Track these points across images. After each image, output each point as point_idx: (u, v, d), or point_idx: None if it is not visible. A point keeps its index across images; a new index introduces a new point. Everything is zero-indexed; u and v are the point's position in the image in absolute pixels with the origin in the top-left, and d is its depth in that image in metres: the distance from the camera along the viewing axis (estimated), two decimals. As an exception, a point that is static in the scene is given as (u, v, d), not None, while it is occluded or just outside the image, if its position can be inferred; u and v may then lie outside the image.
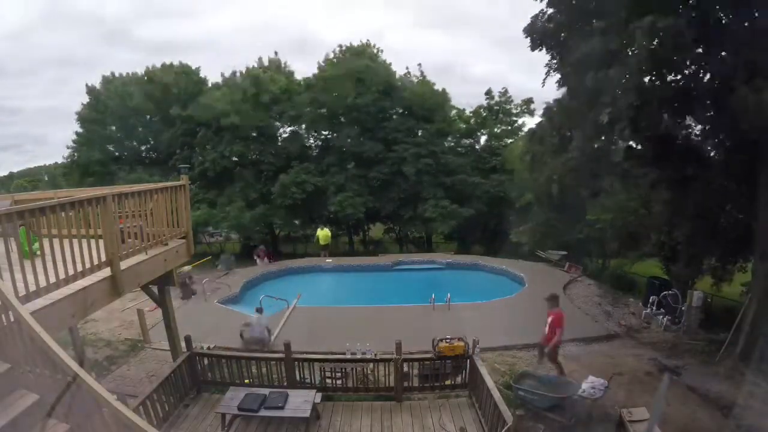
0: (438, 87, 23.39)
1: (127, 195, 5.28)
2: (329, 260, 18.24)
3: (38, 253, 3.94)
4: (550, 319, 7.67)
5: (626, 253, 15.11)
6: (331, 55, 23.20)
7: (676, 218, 10.62)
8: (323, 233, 19.97)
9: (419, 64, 28.21)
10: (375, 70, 22.22)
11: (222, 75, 24.12)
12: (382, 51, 23.42)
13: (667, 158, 9.19)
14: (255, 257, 18.67)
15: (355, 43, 23.24)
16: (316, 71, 23.18)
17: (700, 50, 7.84)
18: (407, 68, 23.84)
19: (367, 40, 23.47)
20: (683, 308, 10.67)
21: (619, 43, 7.65)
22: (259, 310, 9.66)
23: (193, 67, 24.12)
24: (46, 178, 41.02)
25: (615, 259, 16.44)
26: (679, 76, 8.45)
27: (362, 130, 22.23)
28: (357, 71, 21.83)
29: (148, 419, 5.62)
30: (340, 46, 23.28)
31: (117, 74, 24.20)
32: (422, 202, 21.66)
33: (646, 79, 8.01)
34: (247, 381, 7.05)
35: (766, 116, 6.31)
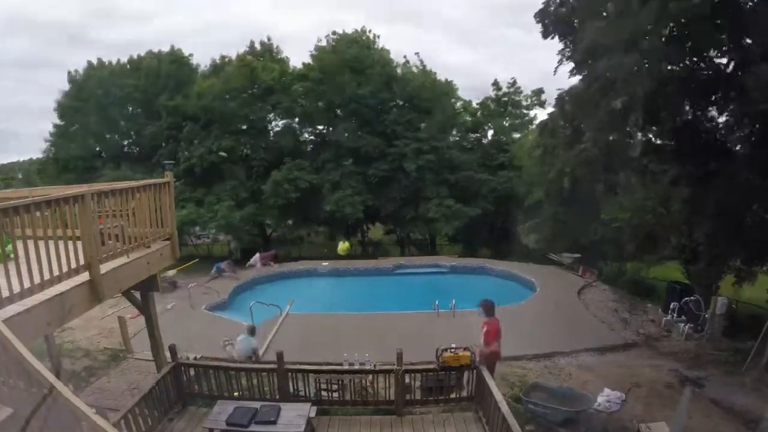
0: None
1: (108, 193, 5.27)
2: (325, 263, 18.24)
3: (11, 256, 3.93)
4: (484, 330, 6.84)
5: (644, 255, 15.07)
6: (324, 43, 23.25)
7: (696, 217, 10.61)
8: (343, 246, 20.14)
9: (417, 53, 28.20)
10: (372, 58, 22.22)
11: (213, 61, 24.18)
12: (378, 37, 23.46)
13: (689, 152, 9.21)
14: (256, 263, 18.49)
15: (349, 31, 23.34)
16: (308, 60, 23.25)
17: (723, 36, 7.85)
18: (405, 57, 23.85)
19: (363, 27, 23.56)
20: (706, 315, 10.68)
21: (633, 28, 7.66)
22: (251, 330, 8.68)
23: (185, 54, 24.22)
24: (20, 176, 40.98)
25: (632, 262, 16.42)
26: (701, 64, 8.46)
27: (360, 124, 22.26)
28: (353, 60, 21.84)
29: (130, 435, 5.61)
30: (334, 33, 23.34)
31: (102, 61, 24.14)
32: (425, 201, 21.66)
33: (663, 66, 8.01)
34: (236, 394, 7.05)
35: None
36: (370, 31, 23.41)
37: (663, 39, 7.12)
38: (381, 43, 23.56)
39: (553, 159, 10.99)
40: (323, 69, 22.16)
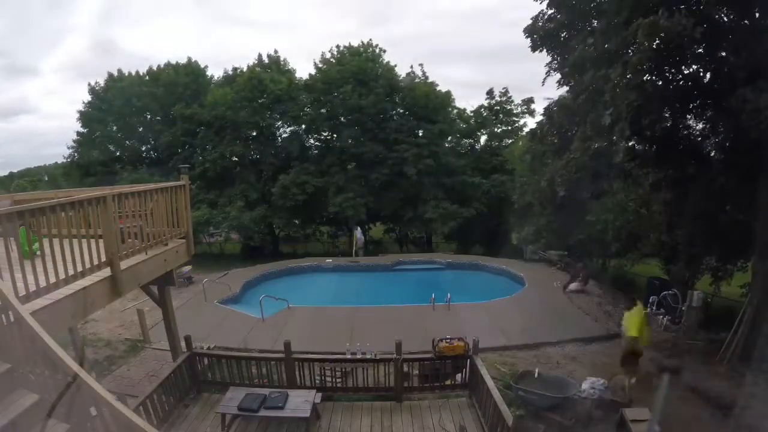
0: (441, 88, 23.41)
1: (127, 195, 5.27)
2: (329, 260, 18.25)
3: (38, 253, 3.93)
4: None
5: (626, 253, 15.05)
6: (328, 55, 23.22)
7: (676, 218, 10.61)
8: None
9: (421, 65, 28.16)
10: (375, 71, 22.19)
11: (225, 72, 24.22)
12: (384, 51, 23.41)
13: (669, 158, 9.20)
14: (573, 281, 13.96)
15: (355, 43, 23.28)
16: (314, 71, 23.23)
17: (701, 50, 7.84)
18: (411, 67, 23.79)
19: (370, 39, 23.48)
20: (683, 308, 10.67)
21: (619, 43, 7.65)
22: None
23: (201, 66, 24.31)
24: (46, 178, 41.02)
25: (615, 259, 16.40)
26: (680, 76, 8.45)
27: (363, 131, 22.21)
28: (358, 72, 21.82)
29: (148, 419, 5.61)
30: (338, 46, 23.32)
31: (122, 72, 24.24)
32: (423, 202, 21.63)
33: (647, 78, 8.01)
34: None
35: (763, 119, 6.31)
36: (376, 45, 23.38)
37: (647, 53, 7.11)
38: (386, 57, 23.54)
39: (543, 166, 10.97)
40: (327, 80, 22.15)
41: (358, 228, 21.64)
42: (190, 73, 23.81)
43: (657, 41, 6.97)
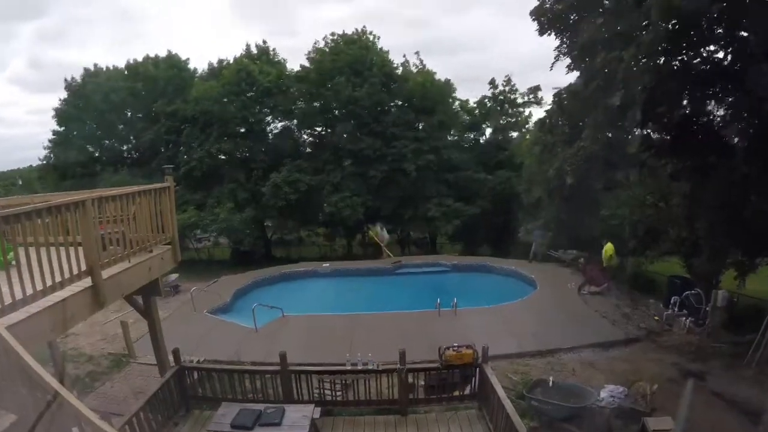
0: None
1: (108, 199, 5.26)
2: (326, 264, 18.24)
3: (13, 263, 3.93)
4: None
5: (645, 250, 15.03)
6: (322, 44, 23.22)
7: (696, 210, 10.61)
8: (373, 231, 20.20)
9: (417, 53, 28.23)
10: (370, 59, 22.19)
11: (209, 65, 24.23)
12: (378, 38, 23.42)
13: (687, 147, 9.21)
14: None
15: (348, 31, 23.28)
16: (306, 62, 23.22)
17: (720, 30, 7.84)
18: (404, 56, 23.87)
19: (363, 26, 23.53)
20: (707, 309, 10.66)
21: (632, 23, 7.65)
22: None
23: (183, 59, 24.28)
24: (20, 182, 40.98)
25: (632, 257, 16.38)
26: (698, 59, 8.46)
27: (358, 125, 22.20)
28: (352, 61, 21.80)
29: (134, 439, 5.61)
30: (332, 34, 23.31)
31: (100, 67, 24.24)
32: (424, 200, 21.64)
33: (662, 60, 8.00)
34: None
35: None
36: (370, 32, 23.36)
37: (661, 33, 7.10)
38: (380, 44, 23.53)
39: (552, 156, 10.99)
40: (320, 71, 22.14)
41: (378, 224, 21.42)
42: (171, 66, 23.80)
43: (672, 20, 6.97)
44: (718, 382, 7.80)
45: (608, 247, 13.83)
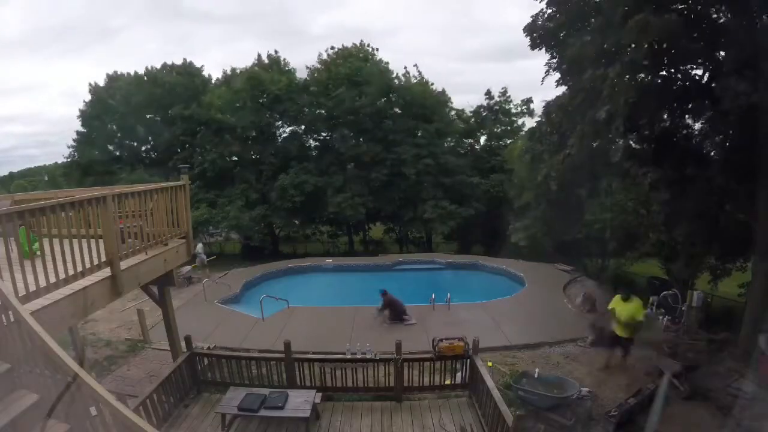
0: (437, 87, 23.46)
1: (127, 195, 5.26)
2: (329, 260, 18.24)
3: (38, 253, 3.93)
4: None
5: (625, 253, 15.03)
6: (324, 56, 23.27)
7: (675, 218, 10.61)
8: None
9: (416, 65, 28.27)
10: (370, 71, 22.22)
11: (223, 72, 24.23)
12: (377, 50, 23.46)
13: (667, 158, 9.19)
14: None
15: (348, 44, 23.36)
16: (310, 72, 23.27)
17: (697, 49, 7.84)
18: (405, 68, 23.91)
19: (361, 40, 23.64)
20: (683, 308, 10.66)
21: (616, 41, 7.65)
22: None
23: (197, 66, 24.27)
24: (46, 178, 41.03)
25: (614, 259, 16.37)
26: (679, 75, 8.46)
27: (359, 132, 22.24)
28: (352, 74, 21.81)
29: (148, 419, 5.60)
30: (333, 47, 23.35)
31: (121, 73, 24.26)
32: (422, 202, 21.66)
33: (642, 77, 8.01)
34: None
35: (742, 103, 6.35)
36: (368, 45, 23.44)
37: (643, 52, 7.11)
38: (380, 56, 23.59)
39: (540, 164, 10.97)
40: (321, 83, 22.19)
41: (200, 243, 17.81)
42: (187, 73, 23.80)
43: (649, 39, 6.98)
44: (692, 376, 7.79)
45: (617, 303, 8.15)
